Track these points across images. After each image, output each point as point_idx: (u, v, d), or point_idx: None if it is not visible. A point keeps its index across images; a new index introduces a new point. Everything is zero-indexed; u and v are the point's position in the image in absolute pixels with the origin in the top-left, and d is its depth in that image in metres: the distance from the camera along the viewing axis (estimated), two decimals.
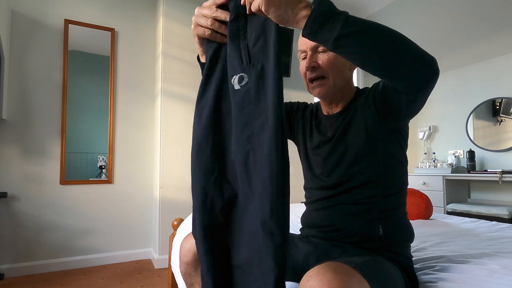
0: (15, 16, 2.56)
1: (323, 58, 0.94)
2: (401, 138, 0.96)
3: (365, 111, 0.94)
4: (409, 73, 0.70)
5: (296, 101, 1.23)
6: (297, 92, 3.28)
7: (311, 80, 0.97)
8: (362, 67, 0.70)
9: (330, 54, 0.93)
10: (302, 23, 0.66)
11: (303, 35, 0.69)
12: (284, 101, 0.91)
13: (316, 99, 1.10)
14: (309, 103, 1.20)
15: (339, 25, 0.64)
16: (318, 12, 0.65)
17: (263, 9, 0.67)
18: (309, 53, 0.96)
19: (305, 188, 1.12)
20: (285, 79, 3.19)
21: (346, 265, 0.70)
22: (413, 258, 1.06)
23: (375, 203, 0.93)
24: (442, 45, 3.82)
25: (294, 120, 1.18)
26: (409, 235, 0.97)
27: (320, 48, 0.94)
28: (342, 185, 0.97)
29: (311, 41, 0.93)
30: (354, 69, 1.01)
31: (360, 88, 1.05)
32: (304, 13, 0.66)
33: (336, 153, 0.98)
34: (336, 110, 1.03)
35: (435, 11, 3.55)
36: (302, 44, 0.98)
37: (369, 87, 0.99)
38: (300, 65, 1.01)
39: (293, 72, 3.32)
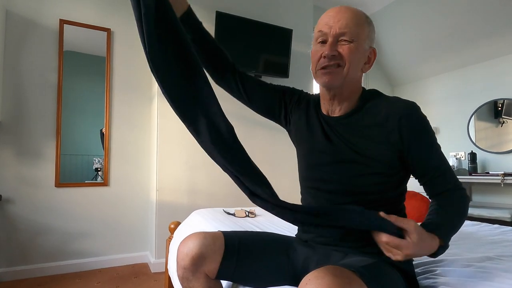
0: (10, 16, 2.53)
1: (344, 47, 0.89)
2: None
3: (382, 130, 0.89)
4: None
5: (300, 89, 1.17)
6: None
7: (325, 67, 0.91)
8: None
9: (352, 45, 0.89)
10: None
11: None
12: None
13: (315, 92, 1.07)
14: (310, 94, 1.15)
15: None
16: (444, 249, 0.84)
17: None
18: (330, 39, 0.90)
19: (303, 187, 1.08)
20: (284, 80, 3.14)
21: (346, 269, 0.69)
22: (414, 262, 1.05)
23: (375, 209, 0.90)
24: (443, 46, 3.80)
25: (293, 108, 1.11)
26: None
27: (342, 38, 0.89)
28: (342, 192, 0.94)
29: (336, 28, 0.89)
30: (366, 71, 0.96)
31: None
32: (434, 250, 0.82)
33: (339, 161, 0.95)
34: (338, 110, 0.98)
35: (436, 11, 3.53)
36: (324, 25, 0.91)
37: (384, 98, 0.95)
38: (313, 48, 0.95)
39: (292, 73, 3.20)
